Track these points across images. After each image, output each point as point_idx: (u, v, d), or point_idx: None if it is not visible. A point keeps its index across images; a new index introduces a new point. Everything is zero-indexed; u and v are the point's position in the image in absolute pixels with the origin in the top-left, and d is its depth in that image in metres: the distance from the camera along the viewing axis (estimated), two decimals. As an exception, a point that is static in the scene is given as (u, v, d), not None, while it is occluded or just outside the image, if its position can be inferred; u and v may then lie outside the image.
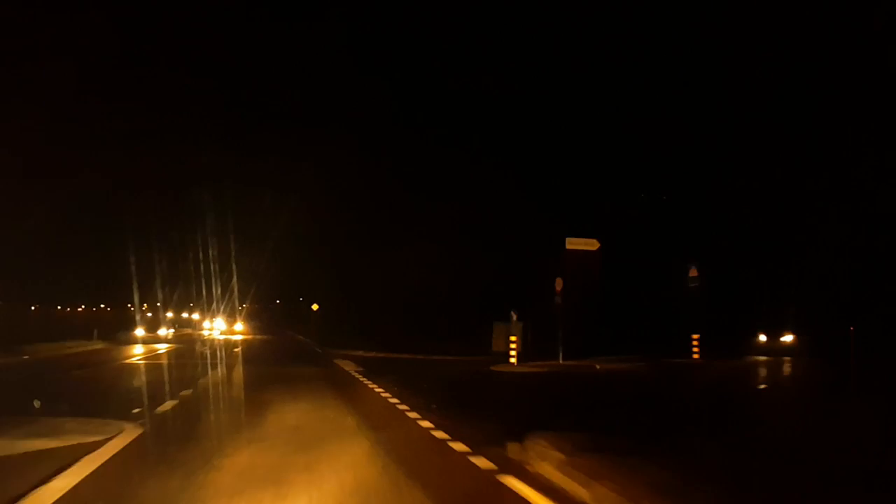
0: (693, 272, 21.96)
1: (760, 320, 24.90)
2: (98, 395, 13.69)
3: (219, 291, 44.18)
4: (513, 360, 20.24)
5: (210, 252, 37.29)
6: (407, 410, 10.92)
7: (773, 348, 24.21)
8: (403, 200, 36.68)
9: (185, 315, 77.21)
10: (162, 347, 31.05)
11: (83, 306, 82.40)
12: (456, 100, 34.71)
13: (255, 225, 52.92)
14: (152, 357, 25.11)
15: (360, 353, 27.07)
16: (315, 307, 48.41)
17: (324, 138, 41.44)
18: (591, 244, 21.12)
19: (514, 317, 20.58)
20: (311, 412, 10.99)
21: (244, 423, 9.72)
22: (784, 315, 24.13)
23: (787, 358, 22.89)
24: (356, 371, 18.93)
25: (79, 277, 63.17)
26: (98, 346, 30.65)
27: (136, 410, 10.66)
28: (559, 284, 20.79)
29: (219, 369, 19.78)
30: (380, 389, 14.03)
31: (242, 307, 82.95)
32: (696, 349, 21.68)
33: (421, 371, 19.75)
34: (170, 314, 76.02)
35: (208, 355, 25.09)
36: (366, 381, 15.97)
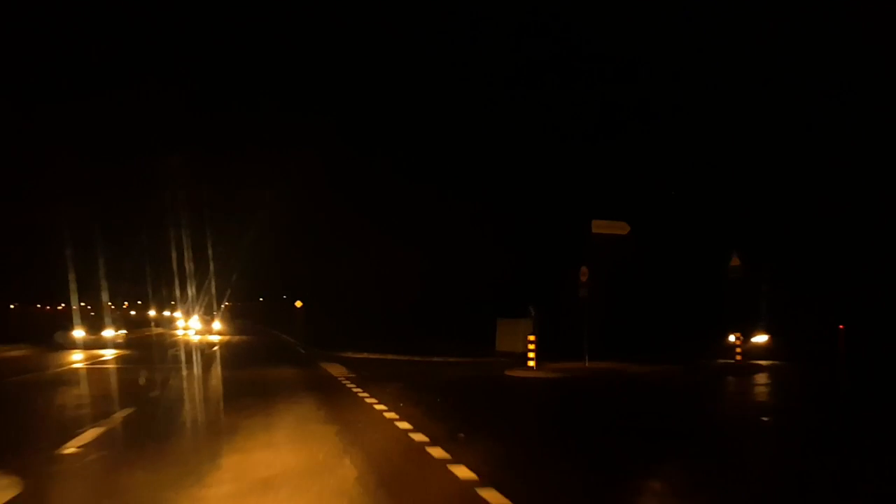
0: (735, 261, 18.79)
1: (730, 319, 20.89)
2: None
3: (193, 289, 40.67)
4: (531, 363, 16.94)
5: (184, 248, 33.82)
6: (426, 444, 7.57)
7: (744, 351, 20.18)
8: (395, 186, 33.22)
9: (166, 313, 73.36)
10: (108, 353, 24.52)
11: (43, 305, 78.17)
12: (459, 72, 31.28)
13: (235, 219, 49.40)
14: (94, 363, 20.68)
15: (350, 354, 23.63)
16: (298, 304, 44.78)
17: (311, 126, 37.97)
18: (621, 227, 17.85)
19: (533, 312, 17.25)
20: (291, 450, 7.57)
21: (186, 477, 6.27)
22: (755, 313, 20.38)
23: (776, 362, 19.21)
24: (346, 378, 15.50)
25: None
26: (20, 352, 24.93)
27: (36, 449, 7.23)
28: (585, 274, 17.50)
29: (178, 379, 16.23)
30: (381, 406, 10.65)
31: (224, 305, 79.31)
32: (738, 350, 18.52)
33: (422, 377, 16.40)
34: (152, 312, 72.16)
35: (170, 360, 21.56)
36: (360, 393, 12.57)
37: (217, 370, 18.45)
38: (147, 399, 12.22)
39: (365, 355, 23.28)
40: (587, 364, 17.53)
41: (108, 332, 29.19)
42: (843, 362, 17.98)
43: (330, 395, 12.33)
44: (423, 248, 29.73)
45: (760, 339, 19.53)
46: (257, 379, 15.66)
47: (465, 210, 28.12)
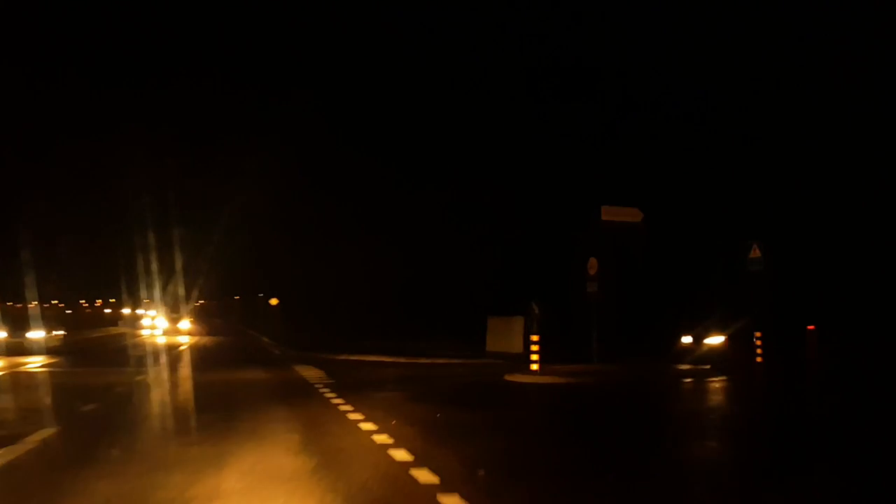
0: (755, 252, 16.83)
1: (683, 318, 18.30)
2: None
3: (161, 286, 38.06)
4: (534, 366, 14.81)
5: (150, 244, 31.41)
6: (436, 488, 5.39)
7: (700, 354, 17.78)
8: (378, 179, 30.90)
9: (140, 311, 70.22)
10: (35, 360, 19.64)
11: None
12: (450, 62, 28.97)
13: (209, 215, 46.87)
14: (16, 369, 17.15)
15: (329, 355, 21.32)
16: (273, 301, 42.26)
17: (290, 118, 35.57)
18: (633, 214, 15.82)
19: (536, 309, 15.12)
20: None
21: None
22: (707, 312, 17.96)
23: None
24: (325, 385, 13.23)
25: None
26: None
27: None
28: (593, 266, 15.42)
29: (126, 388, 13.82)
30: (368, 425, 8.44)
31: (198, 303, 76.24)
32: (759, 351, 16.56)
33: (412, 383, 14.20)
34: (126, 311, 68.71)
35: (123, 364, 19.11)
36: (341, 405, 10.34)
37: (175, 376, 16.09)
38: (78, 415, 9.85)
39: (346, 357, 21.01)
40: (596, 366, 15.46)
41: (36, 334, 23.42)
42: (815, 367, 15.86)
43: (305, 410, 10.07)
44: (409, 242, 27.55)
45: (715, 340, 17.18)
46: (221, 388, 13.32)
47: (451, 202, 25.99)
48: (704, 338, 17.04)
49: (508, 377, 14.88)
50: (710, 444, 8.46)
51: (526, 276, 19.32)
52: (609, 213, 15.56)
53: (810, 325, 17.65)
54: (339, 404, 10.45)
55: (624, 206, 15.68)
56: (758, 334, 16.65)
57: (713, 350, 17.06)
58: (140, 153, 38.43)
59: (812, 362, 16.93)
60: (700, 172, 18.30)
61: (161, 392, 13.07)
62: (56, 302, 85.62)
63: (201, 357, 22.56)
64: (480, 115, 25.68)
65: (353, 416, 9.24)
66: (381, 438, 7.58)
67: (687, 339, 17.40)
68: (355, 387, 13.26)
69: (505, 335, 23.01)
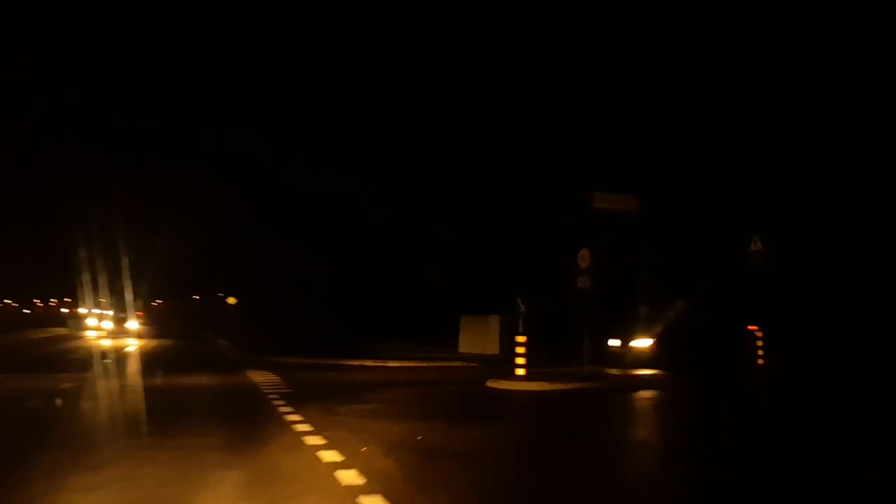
0: (755, 245, 15.20)
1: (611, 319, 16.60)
2: None
3: (110, 285, 35.30)
4: (520, 370, 12.89)
5: (95, 241, 28.78)
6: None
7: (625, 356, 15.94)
8: (339, 170, 28.67)
9: (90, 311, 66.35)
10: None
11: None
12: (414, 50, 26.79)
13: (162, 211, 43.99)
14: None
15: (287, 359, 19.11)
16: (231, 301, 39.63)
17: (250, 109, 33.08)
18: (627, 202, 14.02)
19: (522, 306, 13.20)
20: None
21: None
22: (634, 314, 16.19)
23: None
24: (280, 395, 11.09)
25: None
26: None
27: None
28: (585, 259, 13.57)
29: (36, 401, 11.45)
30: (331, 455, 6.42)
31: (158, 303, 72.58)
32: (760, 352, 14.91)
33: (382, 392, 12.16)
34: (83, 310, 64.67)
35: (46, 371, 16.56)
36: (298, 424, 8.26)
37: (102, 386, 13.71)
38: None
39: (307, 360, 18.83)
40: (589, 369, 13.61)
41: None
42: (757, 376, 14.05)
43: (253, 432, 7.95)
44: (375, 238, 25.41)
45: (642, 343, 15.31)
46: (154, 400, 11.05)
47: (421, 194, 23.96)
48: (630, 340, 15.21)
49: (492, 384, 12.93)
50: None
51: (505, 270, 17.43)
52: (602, 201, 13.75)
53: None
54: (294, 422, 8.38)
55: (617, 192, 13.88)
56: (759, 334, 15.04)
57: (640, 354, 15.28)
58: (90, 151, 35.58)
59: (754, 368, 14.83)
60: (698, 162, 16.61)
61: (79, 406, 10.76)
62: (10, 302, 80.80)
63: (145, 361, 20.09)
64: (451, 99, 23.70)
65: (312, 441, 7.19)
66: (349, 477, 5.57)
67: (614, 342, 15.63)
68: (315, 397, 11.17)
69: (480, 336, 21.10)
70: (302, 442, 7.23)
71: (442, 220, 21.54)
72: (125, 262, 35.21)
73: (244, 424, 8.51)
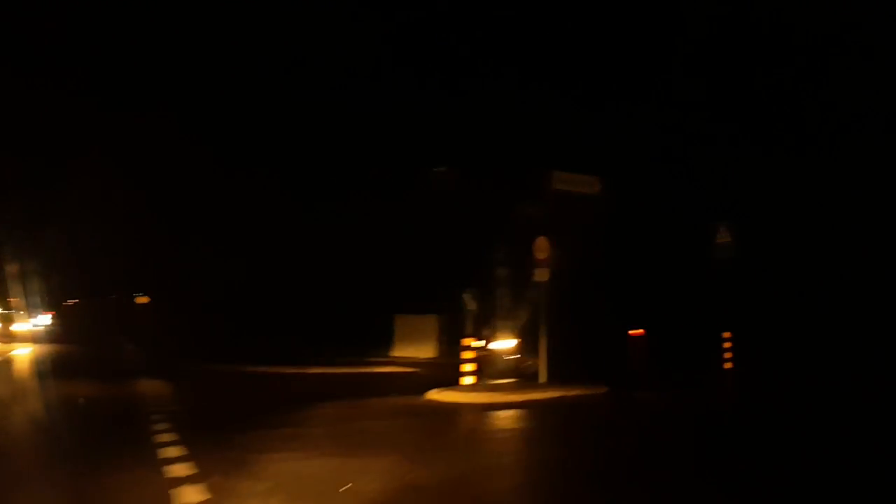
0: (723, 236, 13.52)
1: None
2: None
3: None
4: (469, 378, 10.66)
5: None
6: None
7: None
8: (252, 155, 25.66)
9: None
10: None
11: None
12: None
13: (68, 205, 39.48)
14: None
15: (196, 364, 16.26)
16: (142, 300, 35.85)
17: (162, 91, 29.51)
18: (590, 184, 11.99)
19: (470, 303, 10.96)
20: None
21: None
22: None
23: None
24: (165, 415, 8.42)
25: None
26: None
27: None
28: (543, 249, 11.45)
29: None
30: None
31: (72, 303, 66.63)
32: (727, 355, 13.20)
33: (297, 407, 9.66)
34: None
35: None
36: (172, 461, 5.73)
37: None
38: None
39: (217, 366, 16.07)
40: (544, 379, 11.48)
41: None
42: (640, 383, 12.15)
43: (100, 481, 5.36)
44: (299, 232, 22.69)
45: (504, 344, 13.35)
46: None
47: (348, 177, 21.38)
48: (491, 341, 13.21)
49: (434, 395, 10.62)
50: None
51: (448, 262, 15.15)
52: (562, 181, 11.67)
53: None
54: (170, 460, 5.85)
55: (578, 172, 11.82)
56: (727, 335, 13.33)
57: (500, 355, 13.32)
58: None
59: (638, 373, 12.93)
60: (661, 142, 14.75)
61: None
62: None
63: (28, 368, 16.77)
64: (384, 76, 21.16)
65: (188, 496, 4.72)
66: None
67: (478, 344, 13.70)
68: (214, 418, 8.65)
69: (416, 338, 18.77)
70: (168, 499, 4.73)
71: (373, 208, 19.07)
72: (30, 260, 31.13)
73: (94, 466, 5.88)
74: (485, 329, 13.20)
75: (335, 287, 20.99)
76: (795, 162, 14.58)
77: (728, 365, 13.15)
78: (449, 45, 20.29)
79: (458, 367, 10.92)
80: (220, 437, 7.12)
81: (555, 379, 11.26)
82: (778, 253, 14.23)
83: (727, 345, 13.27)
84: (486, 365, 11.89)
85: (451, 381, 11.03)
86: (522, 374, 11.91)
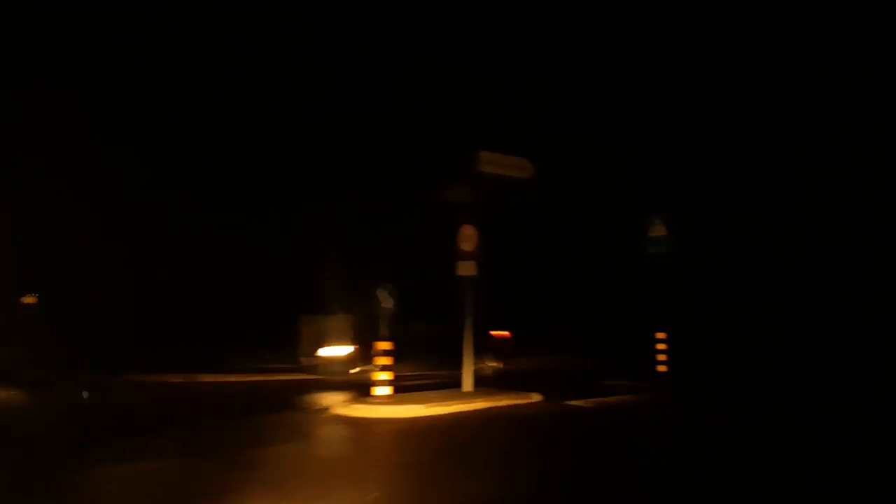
0: (658, 229, 12.44)
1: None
2: None
3: None
4: (382, 388, 8.98)
5: None
6: None
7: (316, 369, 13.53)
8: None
9: None
10: None
11: None
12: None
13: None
14: None
15: (78, 373, 13.79)
16: (29, 300, 31.96)
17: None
18: (521, 168, 10.56)
19: (386, 300, 9.28)
20: None
21: None
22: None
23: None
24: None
25: None
26: None
27: None
28: (469, 238, 9.92)
29: None
30: None
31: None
32: (661, 357, 12.09)
33: (173, 426, 7.70)
34: None
35: None
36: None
37: None
38: None
39: (96, 376, 13.67)
40: (469, 387, 9.95)
41: None
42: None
43: None
44: (192, 226, 20.29)
45: (338, 350, 12.17)
46: None
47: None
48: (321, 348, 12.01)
49: (341, 409, 8.88)
50: None
51: (362, 254, 13.41)
52: (490, 163, 10.18)
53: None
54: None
55: (510, 153, 10.36)
56: (661, 336, 12.23)
57: (331, 366, 12.07)
58: None
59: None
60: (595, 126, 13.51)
61: None
62: None
63: None
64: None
65: None
66: None
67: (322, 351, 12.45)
68: (42, 449, 6.57)
69: (326, 340, 16.80)
70: None
71: (284, 195, 17.05)
72: None
73: None
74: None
75: (242, 286, 18.81)
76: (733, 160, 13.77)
77: (662, 368, 12.07)
78: (367, 29, 18.58)
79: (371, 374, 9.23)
80: (37, 484, 5.16)
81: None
82: (715, 247, 13.32)
83: (661, 346, 12.20)
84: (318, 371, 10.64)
85: (364, 389, 9.36)
86: (359, 385, 10.59)
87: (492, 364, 13.31)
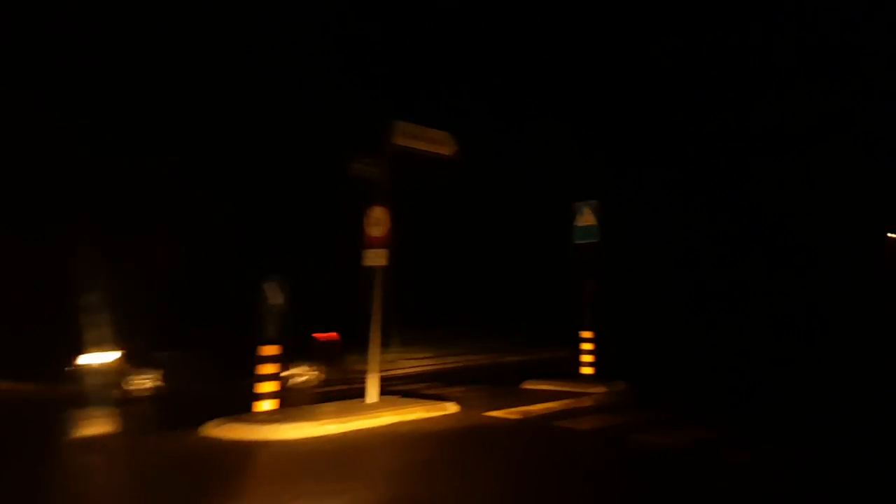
0: (587, 218, 11.23)
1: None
2: None
3: None
4: (265, 403, 7.23)
5: None
6: None
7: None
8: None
9: None
10: None
11: None
12: None
13: None
14: None
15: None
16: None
17: None
18: (442, 142, 8.99)
19: (273, 295, 7.46)
20: None
21: None
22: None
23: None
24: None
25: None
26: None
27: None
28: (380, 223, 8.28)
29: None
30: None
31: None
32: (587, 359, 10.87)
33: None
34: None
35: None
36: None
37: None
38: None
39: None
40: (373, 398, 8.34)
41: None
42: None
43: None
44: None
45: (101, 357, 10.67)
46: None
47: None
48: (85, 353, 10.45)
49: (214, 430, 7.07)
50: None
51: (253, 241, 11.48)
52: (405, 135, 8.55)
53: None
54: None
55: (431, 126, 8.77)
56: (587, 335, 11.01)
57: (95, 373, 10.53)
58: None
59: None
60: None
61: None
62: None
63: None
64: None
65: None
66: None
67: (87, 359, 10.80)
68: None
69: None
70: None
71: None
72: None
73: None
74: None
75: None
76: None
77: (588, 370, 10.87)
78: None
79: (251, 386, 7.44)
80: None
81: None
82: (645, 239, 12.27)
83: (587, 346, 11.01)
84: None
85: (243, 405, 7.57)
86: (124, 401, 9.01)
87: (313, 372, 11.67)
